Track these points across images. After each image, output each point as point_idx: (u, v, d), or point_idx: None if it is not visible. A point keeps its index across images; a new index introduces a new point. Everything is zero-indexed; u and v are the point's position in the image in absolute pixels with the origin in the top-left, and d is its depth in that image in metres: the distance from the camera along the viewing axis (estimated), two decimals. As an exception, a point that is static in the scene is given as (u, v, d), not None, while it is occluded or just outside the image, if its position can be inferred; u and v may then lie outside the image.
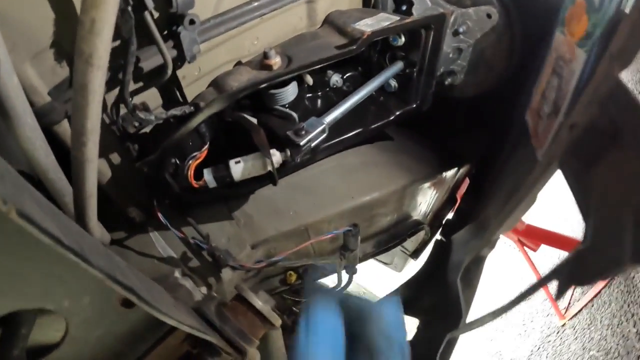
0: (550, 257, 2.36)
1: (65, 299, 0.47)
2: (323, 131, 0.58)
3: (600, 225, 0.37)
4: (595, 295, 2.02)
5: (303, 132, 0.57)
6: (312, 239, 0.65)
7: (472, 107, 0.83)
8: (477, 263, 0.72)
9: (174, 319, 0.43)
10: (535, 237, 1.84)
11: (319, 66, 0.57)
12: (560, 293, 0.38)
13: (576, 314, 2.13)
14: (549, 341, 2.20)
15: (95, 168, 0.43)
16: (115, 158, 0.61)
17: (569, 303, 2.21)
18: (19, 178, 0.31)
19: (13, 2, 0.42)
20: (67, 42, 0.49)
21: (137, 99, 0.57)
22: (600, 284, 1.94)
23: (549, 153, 0.49)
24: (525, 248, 2.05)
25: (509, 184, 0.69)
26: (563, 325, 2.20)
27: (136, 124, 0.57)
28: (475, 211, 0.82)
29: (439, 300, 0.70)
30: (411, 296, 0.84)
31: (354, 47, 0.57)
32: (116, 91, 0.53)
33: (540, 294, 2.29)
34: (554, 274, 0.40)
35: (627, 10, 0.40)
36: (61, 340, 0.49)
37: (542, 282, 0.42)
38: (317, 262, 0.70)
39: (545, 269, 2.30)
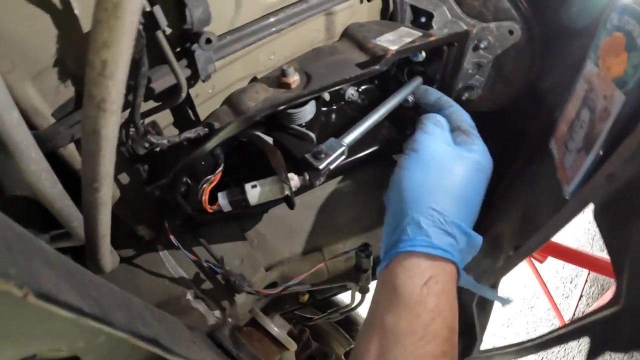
0: (554, 267, 2.39)
1: (80, 340, 0.45)
2: (342, 153, 0.56)
3: (637, 284, 0.35)
4: (601, 307, 2.05)
5: (322, 155, 0.54)
6: (326, 259, 0.63)
7: (483, 121, 0.81)
8: (492, 286, 0.72)
9: None
10: (544, 249, 1.83)
11: (341, 86, 0.54)
12: (593, 357, 0.37)
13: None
14: (552, 352, 2.23)
15: (109, 211, 0.41)
16: (124, 179, 0.58)
17: (574, 314, 2.24)
18: (25, 236, 0.28)
19: (10, 17, 0.38)
20: (71, 60, 0.46)
21: (147, 118, 0.54)
22: (606, 296, 1.97)
23: (583, 196, 0.48)
24: (532, 259, 2.06)
25: (523, 202, 0.68)
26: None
27: (147, 144, 0.54)
28: (485, 224, 0.82)
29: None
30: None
31: (377, 67, 0.54)
32: (126, 113, 0.50)
33: (544, 303, 2.31)
34: (582, 331, 0.39)
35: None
36: None
37: (570, 336, 0.41)
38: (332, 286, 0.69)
39: (548, 280, 2.29)
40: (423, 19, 0.67)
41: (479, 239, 0.51)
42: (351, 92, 0.67)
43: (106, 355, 0.48)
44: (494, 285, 0.71)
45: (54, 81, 0.47)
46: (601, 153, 0.45)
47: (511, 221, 0.70)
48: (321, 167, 0.54)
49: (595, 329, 0.37)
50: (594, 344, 0.36)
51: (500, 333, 2.36)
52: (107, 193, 0.37)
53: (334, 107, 0.67)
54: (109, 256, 0.47)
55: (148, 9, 0.42)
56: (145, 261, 0.63)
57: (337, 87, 0.55)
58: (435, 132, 0.55)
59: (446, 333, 0.45)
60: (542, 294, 2.32)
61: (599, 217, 0.42)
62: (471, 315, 0.65)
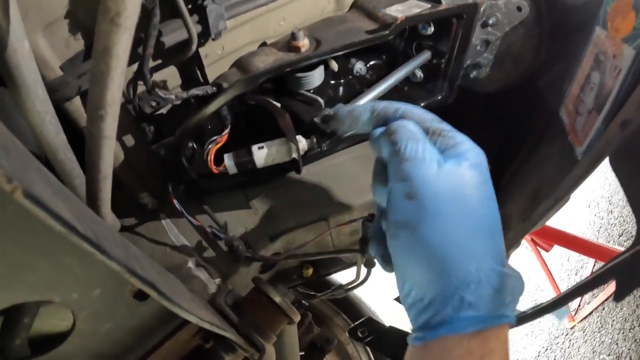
0: (559, 258, 2.37)
1: (74, 292, 0.43)
2: (350, 119, 0.55)
3: None
4: (607, 299, 2.03)
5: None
6: (331, 227, 0.62)
7: (489, 103, 0.81)
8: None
9: (194, 315, 0.40)
10: (550, 237, 1.83)
11: (350, 50, 0.54)
12: (622, 295, 0.36)
13: (586, 317, 2.13)
14: (557, 343, 2.20)
15: (113, 146, 0.39)
16: (129, 140, 0.58)
17: (579, 305, 2.22)
18: (26, 153, 0.27)
19: (25, -34, 0.38)
20: (83, 12, 0.46)
21: (156, 77, 0.54)
22: (611, 287, 1.95)
23: (595, 151, 0.47)
24: (538, 248, 2.05)
25: (534, 181, 0.67)
26: (572, 328, 2.20)
27: (154, 103, 0.54)
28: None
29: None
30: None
31: (387, 32, 0.54)
32: (134, 68, 0.50)
33: (550, 295, 2.29)
34: (609, 274, 0.38)
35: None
36: (67, 334, 0.46)
37: (597, 283, 0.40)
38: (338, 256, 0.68)
39: (554, 272, 2.29)
40: (433, -5, 0.68)
41: (520, 276, 0.39)
42: (359, 67, 0.67)
43: (101, 313, 0.47)
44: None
45: (64, 33, 0.47)
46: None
47: (520, 201, 0.69)
48: (329, 130, 0.53)
49: (620, 271, 0.36)
50: (621, 284, 0.36)
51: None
52: (111, 124, 0.36)
53: (342, 80, 0.67)
54: (109, 206, 0.45)
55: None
56: (148, 230, 0.62)
57: (346, 51, 0.55)
58: (423, 155, 0.39)
59: None
60: (547, 286, 2.30)
61: (615, 164, 0.42)
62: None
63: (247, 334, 0.53)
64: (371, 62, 0.68)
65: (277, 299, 0.54)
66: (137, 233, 0.62)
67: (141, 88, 0.51)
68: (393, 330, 0.82)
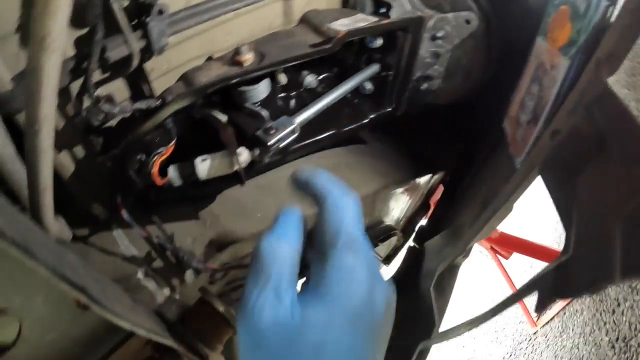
0: (522, 265, 2.38)
1: (16, 297, 0.44)
2: (293, 131, 0.57)
3: (585, 235, 0.36)
4: (568, 304, 2.05)
5: (272, 131, 0.55)
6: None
7: (447, 115, 0.82)
8: (451, 271, 0.71)
9: (129, 322, 0.40)
10: (509, 245, 1.85)
11: (292, 64, 0.55)
12: (542, 306, 0.36)
13: (548, 322, 2.15)
14: (520, 348, 2.22)
15: (50, 159, 0.40)
16: (79, 152, 0.59)
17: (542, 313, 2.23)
18: None
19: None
20: (35, 26, 0.47)
21: (102, 91, 0.55)
22: None
23: (529, 161, 0.49)
24: (498, 256, 2.06)
25: (484, 191, 0.69)
26: (535, 333, 2.22)
27: (101, 116, 0.55)
28: (448, 218, 0.82)
29: (411, 308, 0.68)
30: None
31: (329, 46, 0.56)
32: (80, 82, 0.51)
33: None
34: (533, 285, 0.39)
35: (614, 16, 0.39)
36: (13, 342, 0.46)
37: (521, 294, 0.41)
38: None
39: (516, 277, 2.31)
40: (383, 10, 0.69)
41: None
42: (310, 80, 0.69)
43: (46, 320, 0.48)
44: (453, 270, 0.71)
45: (14, 47, 0.47)
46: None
47: (471, 211, 0.70)
48: (270, 142, 0.54)
49: (545, 281, 0.37)
50: (544, 294, 0.37)
51: (468, 333, 2.38)
52: (47, 137, 0.37)
53: (293, 93, 0.68)
54: (51, 216, 0.46)
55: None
56: (99, 240, 0.63)
57: (288, 65, 0.56)
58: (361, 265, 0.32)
59: None
60: (509, 293, 2.29)
61: (545, 175, 0.43)
62: (429, 298, 0.64)
63: (191, 342, 0.54)
64: (322, 75, 0.69)
65: (221, 308, 0.55)
66: (88, 243, 0.63)
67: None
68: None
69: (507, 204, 0.55)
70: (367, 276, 0.32)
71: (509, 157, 0.59)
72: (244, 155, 0.54)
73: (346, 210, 0.35)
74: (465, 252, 0.66)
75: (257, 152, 0.55)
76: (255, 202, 0.63)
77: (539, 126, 0.50)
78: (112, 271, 0.60)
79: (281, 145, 0.56)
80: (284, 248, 0.34)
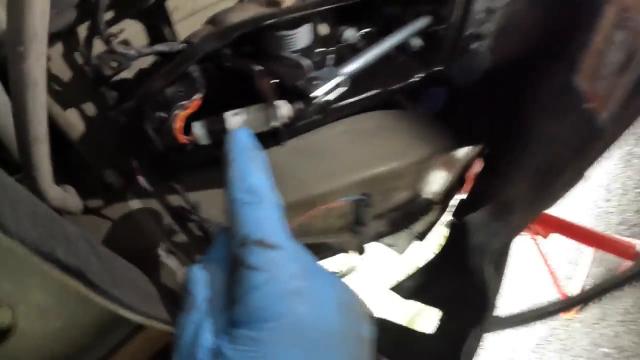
0: (556, 247, 2.31)
1: (5, 281, 0.36)
2: (340, 84, 0.49)
3: None
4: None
5: (316, 82, 0.48)
6: (318, 207, 0.55)
7: (488, 83, 0.76)
8: (505, 247, 0.65)
9: (140, 313, 0.33)
10: (549, 224, 1.78)
11: (341, 4, 0.48)
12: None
13: (583, 307, 2.10)
14: (556, 334, 2.16)
15: (43, 97, 0.31)
16: (89, 108, 0.51)
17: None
18: None
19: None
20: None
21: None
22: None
23: (626, 112, 0.43)
24: (535, 236, 1.97)
25: (539, 161, 0.63)
26: (570, 320, 2.13)
27: (114, 64, 0.47)
28: (490, 192, 0.76)
29: (460, 287, 0.62)
30: (428, 282, 0.77)
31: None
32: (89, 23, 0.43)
33: (549, 283, 2.23)
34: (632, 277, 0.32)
35: None
36: (6, 332, 0.39)
37: (622, 284, 0.34)
38: (326, 241, 0.61)
39: (551, 258, 2.24)
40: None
41: None
42: (350, 34, 0.61)
43: (46, 308, 0.40)
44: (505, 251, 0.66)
45: None
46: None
47: (522, 183, 0.64)
48: (314, 94, 0.47)
49: None
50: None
51: (501, 314, 2.37)
52: (35, 65, 0.28)
53: (331, 49, 0.60)
54: (48, 176, 0.38)
55: None
56: (113, 212, 0.56)
57: (334, 5, 0.48)
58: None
59: None
60: (545, 274, 2.26)
61: None
62: (481, 275, 0.57)
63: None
64: (364, 30, 0.62)
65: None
66: (102, 215, 0.55)
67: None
68: (385, 323, 0.76)
69: (590, 167, 0.49)
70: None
71: (581, 117, 0.54)
72: (283, 108, 0.46)
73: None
74: (524, 227, 0.59)
75: (298, 105, 0.47)
76: (292, 167, 0.55)
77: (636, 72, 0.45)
78: (127, 247, 0.53)
79: (325, 99, 0.48)
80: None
